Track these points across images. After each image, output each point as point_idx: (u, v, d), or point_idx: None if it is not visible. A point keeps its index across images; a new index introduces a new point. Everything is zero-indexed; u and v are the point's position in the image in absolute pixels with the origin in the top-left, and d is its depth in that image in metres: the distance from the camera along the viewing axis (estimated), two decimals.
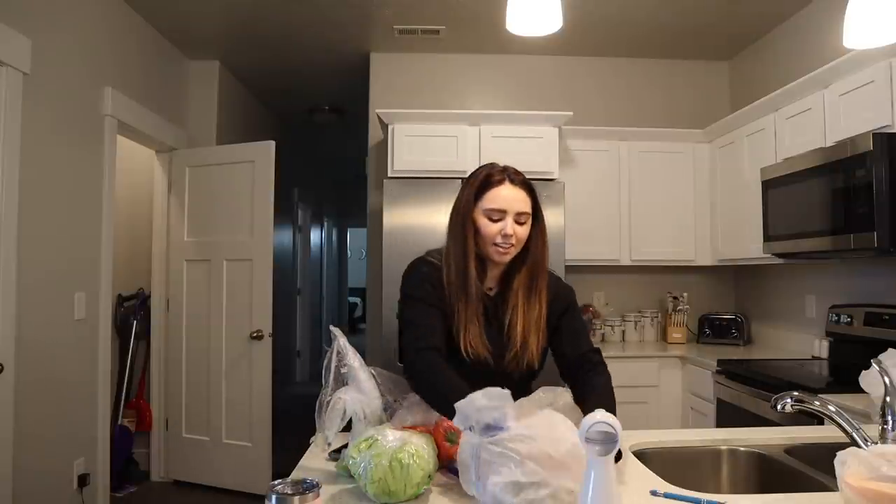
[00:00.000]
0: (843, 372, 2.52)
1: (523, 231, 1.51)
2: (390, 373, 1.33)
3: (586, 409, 1.25)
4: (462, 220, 1.51)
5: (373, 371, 1.30)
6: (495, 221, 1.48)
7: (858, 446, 1.18)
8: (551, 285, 1.58)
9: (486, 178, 1.52)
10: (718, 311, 3.86)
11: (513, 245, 1.49)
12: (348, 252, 11.02)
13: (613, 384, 1.47)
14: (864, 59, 2.32)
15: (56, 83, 2.70)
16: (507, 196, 1.49)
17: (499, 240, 1.48)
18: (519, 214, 1.49)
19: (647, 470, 1.29)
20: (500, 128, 3.35)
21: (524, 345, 1.50)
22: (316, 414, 1.24)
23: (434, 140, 3.32)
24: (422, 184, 3.23)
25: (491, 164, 1.57)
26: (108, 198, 3.12)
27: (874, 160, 2.17)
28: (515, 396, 1.43)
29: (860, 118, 2.36)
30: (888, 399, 1.32)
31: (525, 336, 1.50)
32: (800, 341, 3.27)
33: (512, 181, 1.51)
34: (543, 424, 1.06)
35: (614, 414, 1.21)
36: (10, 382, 2.37)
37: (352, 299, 11.25)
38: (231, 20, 3.57)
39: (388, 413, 1.29)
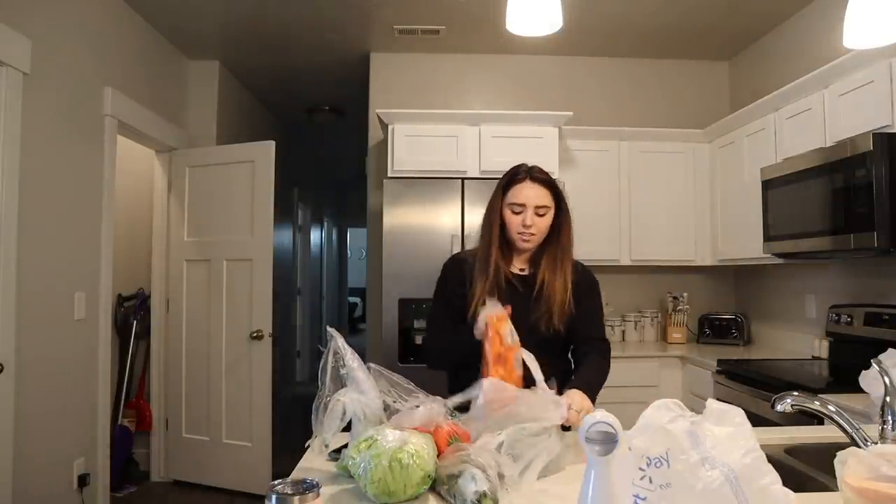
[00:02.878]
0: (843, 372, 2.52)
1: (543, 222, 1.73)
2: (391, 372, 1.34)
3: (572, 380, 1.60)
4: (490, 212, 1.77)
5: (373, 365, 1.30)
6: (517, 214, 1.73)
7: (858, 446, 1.18)
8: (577, 269, 1.81)
9: (511, 176, 1.76)
10: (718, 311, 3.86)
11: (533, 234, 1.73)
12: (348, 252, 11.01)
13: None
14: (864, 59, 2.32)
15: (56, 83, 2.70)
16: (528, 192, 1.72)
17: (521, 229, 1.72)
18: (538, 208, 1.72)
19: None
20: (500, 128, 3.35)
21: (549, 310, 1.71)
22: (313, 416, 1.24)
23: (434, 140, 3.32)
24: (422, 184, 3.23)
25: (518, 164, 1.80)
26: (108, 198, 3.12)
27: (874, 160, 2.17)
28: (543, 354, 1.57)
29: (860, 118, 2.36)
30: (888, 399, 1.32)
31: (550, 304, 1.71)
32: (800, 341, 3.27)
33: (533, 179, 1.73)
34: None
35: (593, 385, 1.56)
36: (10, 382, 2.37)
37: (352, 299, 11.23)
38: (231, 20, 3.57)
39: (388, 413, 1.29)
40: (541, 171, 1.77)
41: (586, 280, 1.83)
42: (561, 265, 1.76)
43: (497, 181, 1.81)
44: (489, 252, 1.73)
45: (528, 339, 1.68)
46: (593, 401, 1.55)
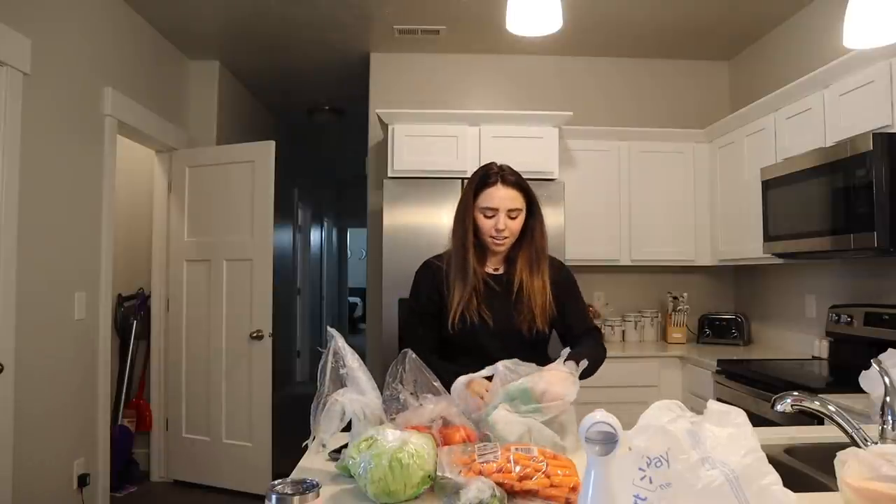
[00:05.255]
0: (843, 372, 2.52)
1: (515, 224, 1.73)
2: (428, 369, 1.34)
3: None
4: (462, 216, 1.75)
5: (413, 356, 1.33)
6: (489, 217, 1.72)
7: (858, 446, 1.18)
8: (554, 266, 1.81)
9: (481, 179, 1.74)
10: (718, 311, 3.86)
11: (506, 237, 1.73)
12: (348, 252, 11.01)
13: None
14: (864, 59, 2.32)
15: (56, 83, 2.70)
16: (500, 195, 1.71)
17: (493, 233, 1.72)
18: (510, 211, 1.71)
19: None
20: (500, 128, 3.35)
21: (531, 313, 1.71)
22: (311, 416, 1.24)
23: (434, 140, 3.32)
24: (422, 184, 3.23)
25: (488, 165, 1.78)
26: (108, 198, 3.12)
27: (874, 160, 2.17)
28: (525, 355, 1.51)
29: (860, 118, 2.36)
30: (888, 399, 1.32)
31: (531, 305, 1.71)
32: (800, 341, 3.27)
33: (504, 181, 1.72)
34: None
35: (585, 361, 1.41)
36: (10, 382, 2.37)
37: (352, 299, 11.24)
38: (231, 20, 3.57)
39: (399, 406, 1.28)
40: (511, 171, 1.75)
41: (565, 279, 1.83)
42: (538, 266, 1.75)
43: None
44: (465, 256, 1.72)
45: (510, 340, 1.70)
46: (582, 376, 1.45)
